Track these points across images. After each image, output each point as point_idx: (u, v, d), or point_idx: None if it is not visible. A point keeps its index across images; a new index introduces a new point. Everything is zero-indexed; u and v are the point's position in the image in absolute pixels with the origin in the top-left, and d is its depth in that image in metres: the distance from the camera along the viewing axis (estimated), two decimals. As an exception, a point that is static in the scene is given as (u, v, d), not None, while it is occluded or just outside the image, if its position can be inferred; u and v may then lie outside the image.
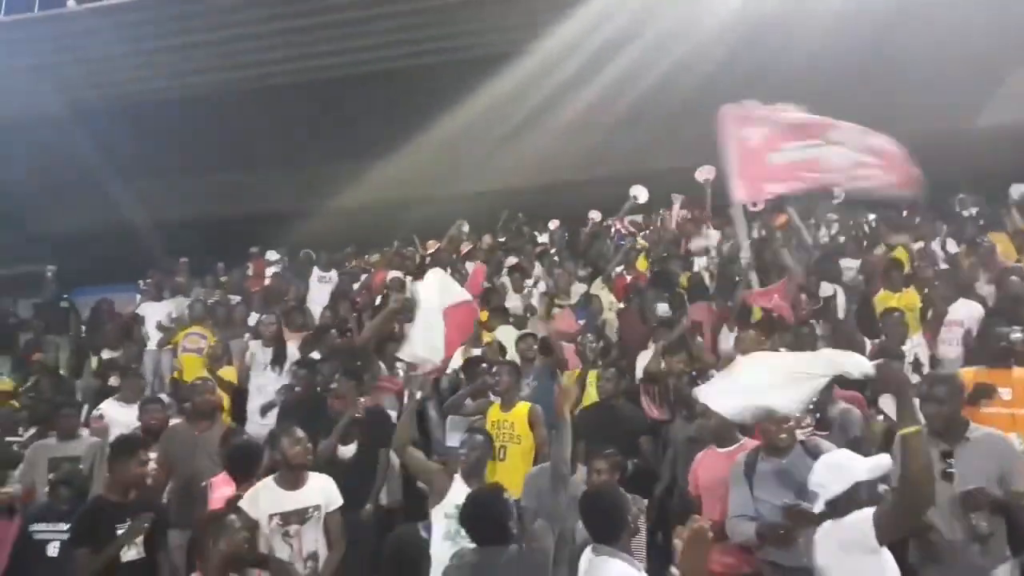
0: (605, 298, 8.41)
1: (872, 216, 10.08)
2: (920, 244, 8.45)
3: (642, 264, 9.91)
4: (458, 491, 4.11)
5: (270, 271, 11.00)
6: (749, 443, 4.34)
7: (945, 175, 11.48)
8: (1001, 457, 3.67)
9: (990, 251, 7.37)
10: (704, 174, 10.15)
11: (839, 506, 3.05)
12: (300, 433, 4.37)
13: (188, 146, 13.71)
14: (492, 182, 12.81)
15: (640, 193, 10.59)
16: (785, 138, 5.49)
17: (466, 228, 10.96)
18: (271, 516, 4.17)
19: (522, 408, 5.45)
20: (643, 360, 6.59)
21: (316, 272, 9.85)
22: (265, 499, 4.20)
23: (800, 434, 4.19)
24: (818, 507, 3.13)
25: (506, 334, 7.30)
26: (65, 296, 10.80)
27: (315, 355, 6.90)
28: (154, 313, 9.10)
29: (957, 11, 10.84)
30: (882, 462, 3.15)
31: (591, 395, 6.16)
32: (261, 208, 14.00)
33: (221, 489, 4.63)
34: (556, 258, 10.15)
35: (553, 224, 12.17)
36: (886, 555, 2.97)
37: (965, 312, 6.23)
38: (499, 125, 12.43)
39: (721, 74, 11.10)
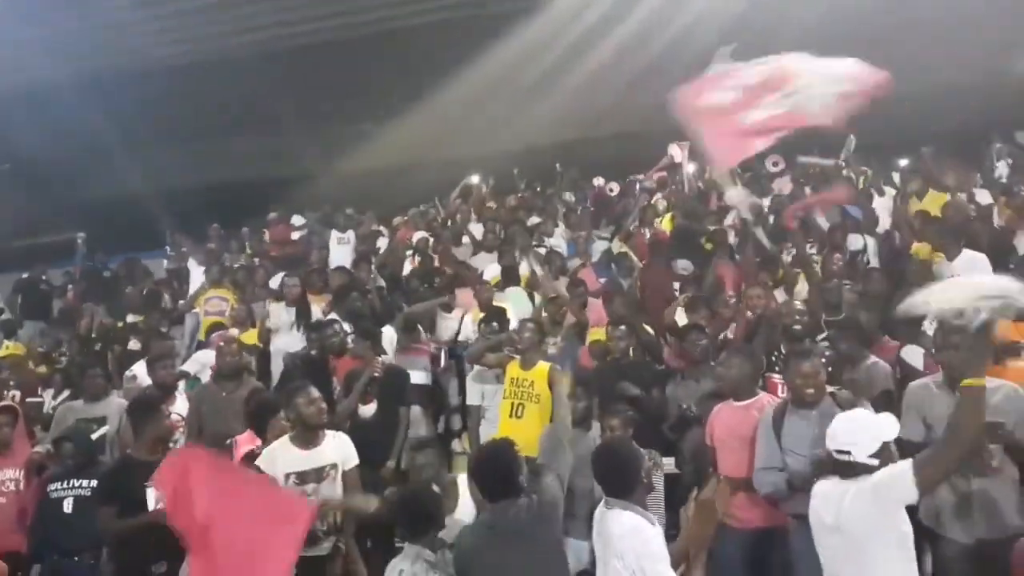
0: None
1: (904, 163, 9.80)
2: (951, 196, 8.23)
3: (667, 224, 9.77)
4: None
5: (295, 235, 11.03)
6: (766, 397, 4.32)
7: (977, 125, 11.23)
8: (1017, 410, 3.69)
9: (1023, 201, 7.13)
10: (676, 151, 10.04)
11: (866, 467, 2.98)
12: (315, 392, 4.34)
13: (207, 111, 13.70)
14: (513, 140, 12.63)
15: (677, 152, 10.41)
16: (754, 96, 5.28)
17: (475, 180, 10.84)
18: (287, 475, 4.18)
19: (543, 367, 5.42)
20: (670, 316, 6.59)
21: (334, 234, 9.86)
22: (282, 458, 4.22)
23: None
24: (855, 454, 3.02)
25: (516, 296, 7.23)
26: (105, 263, 10.93)
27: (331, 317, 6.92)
28: (198, 273, 9.19)
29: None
30: (894, 421, 3.10)
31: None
32: (282, 172, 13.98)
33: (246, 446, 4.69)
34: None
35: (598, 181, 12.02)
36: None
37: (968, 264, 6.10)
38: (518, 82, 12.24)
39: (737, 26, 10.82)
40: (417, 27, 12.89)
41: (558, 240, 9.28)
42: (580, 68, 12.14)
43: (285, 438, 4.35)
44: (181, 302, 8.85)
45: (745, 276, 6.69)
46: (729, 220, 8.90)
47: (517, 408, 5.28)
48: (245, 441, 4.98)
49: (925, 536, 3.61)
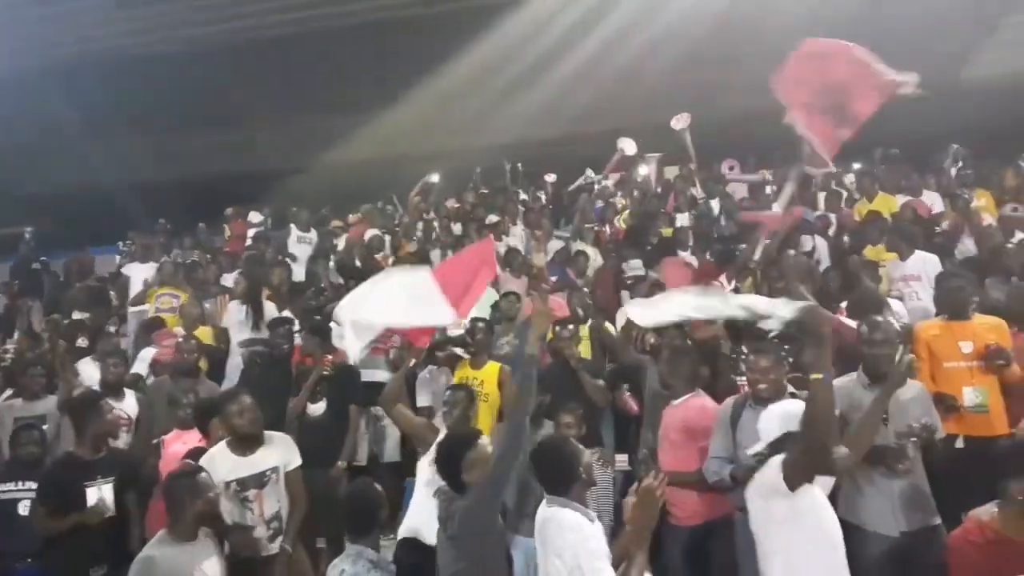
0: (592, 255, 8.33)
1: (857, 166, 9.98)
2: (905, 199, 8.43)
3: (624, 223, 9.83)
4: None
5: (252, 232, 10.87)
6: (694, 400, 4.42)
7: (934, 129, 11.48)
8: (926, 409, 3.88)
9: (967, 206, 7.29)
10: (680, 122, 10.05)
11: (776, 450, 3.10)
12: (247, 401, 4.24)
13: (171, 103, 13.46)
14: (489, 137, 12.49)
15: (628, 145, 10.44)
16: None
17: (435, 179, 10.79)
18: (228, 483, 4.10)
19: (493, 367, 5.43)
20: (621, 317, 6.57)
21: (295, 232, 9.73)
22: (221, 465, 4.13)
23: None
24: (753, 449, 3.18)
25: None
26: (42, 258, 10.68)
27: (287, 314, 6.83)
28: (140, 274, 9.01)
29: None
30: None
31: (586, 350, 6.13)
32: (249, 166, 13.78)
33: (173, 445, 4.68)
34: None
35: (550, 178, 12.01)
36: (804, 501, 2.97)
37: (920, 265, 6.23)
38: (495, 79, 12.19)
39: (720, 27, 10.95)
40: (390, 20, 12.77)
41: (515, 239, 9.27)
42: (561, 65, 12.13)
43: (223, 444, 4.27)
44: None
45: (701, 276, 6.71)
46: (683, 220, 9.00)
47: None
48: (172, 440, 4.98)
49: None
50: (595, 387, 5.31)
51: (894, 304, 5.64)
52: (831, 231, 8.22)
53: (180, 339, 6.25)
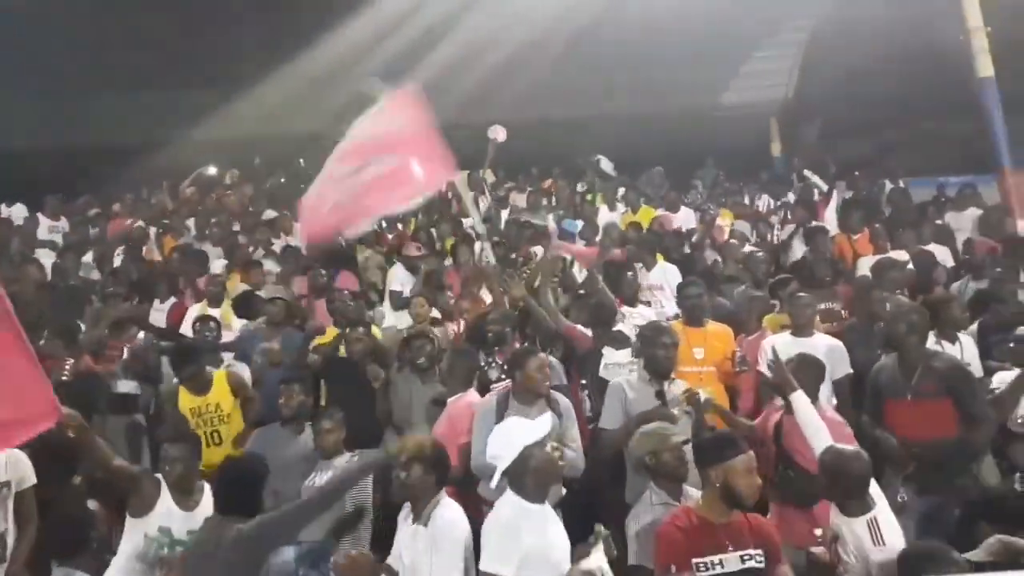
0: (375, 260, 8.24)
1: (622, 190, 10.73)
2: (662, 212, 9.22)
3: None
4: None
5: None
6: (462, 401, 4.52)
7: (690, 151, 12.68)
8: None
9: (712, 221, 8.14)
10: (495, 132, 10.29)
11: (512, 475, 3.16)
12: None
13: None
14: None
15: (499, 134, 10.36)
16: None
17: (213, 171, 10.24)
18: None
19: (220, 381, 5.10)
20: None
21: (44, 222, 8.79)
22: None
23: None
24: (495, 481, 3.18)
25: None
26: None
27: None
28: None
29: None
30: (543, 424, 3.29)
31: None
32: (100, 139, 12.33)
33: None
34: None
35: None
36: None
37: (661, 275, 6.83)
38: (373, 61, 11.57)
39: None
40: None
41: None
42: (436, 54, 11.78)
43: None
44: None
45: (462, 284, 6.88)
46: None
47: (212, 436, 4.98)
48: None
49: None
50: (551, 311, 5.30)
51: (643, 310, 6.10)
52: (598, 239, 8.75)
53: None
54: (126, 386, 5.21)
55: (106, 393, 5.09)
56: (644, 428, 3.81)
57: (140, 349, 5.70)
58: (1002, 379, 4.55)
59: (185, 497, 3.82)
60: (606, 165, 10.53)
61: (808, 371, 4.11)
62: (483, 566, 3.03)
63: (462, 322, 6.05)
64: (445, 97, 11.49)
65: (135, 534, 3.71)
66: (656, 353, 4.37)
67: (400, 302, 6.80)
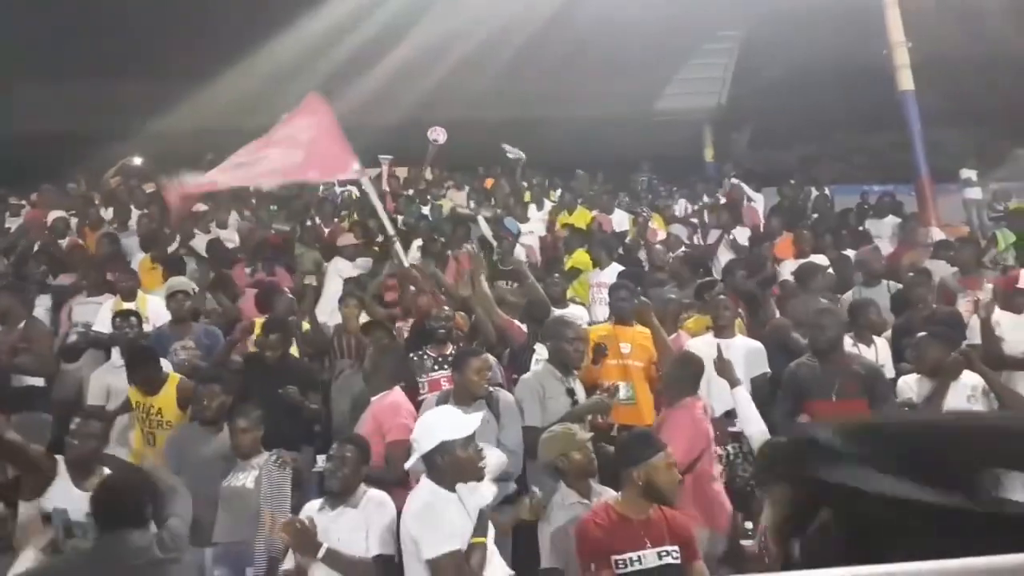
0: (310, 256, 8.07)
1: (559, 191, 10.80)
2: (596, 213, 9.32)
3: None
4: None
5: None
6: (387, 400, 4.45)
7: (630, 153, 12.85)
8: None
9: (644, 224, 8.27)
10: (435, 134, 10.27)
11: (428, 463, 3.15)
12: None
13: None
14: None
15: (439, 135, 10.35)
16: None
17: (137, 161, 9.90)
18: None
19: (170, 387, 4.92)
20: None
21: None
22: None
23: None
24: (409, 463, 3.21)
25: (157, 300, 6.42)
26: None
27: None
28: None
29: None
30: (471, 422, 3.24)
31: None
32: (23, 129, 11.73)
33: None
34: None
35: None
36: None
37: (612, 275, 6.90)
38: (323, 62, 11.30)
39: None
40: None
41: (231, 233, 8.74)
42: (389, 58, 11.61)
43: None
44: None
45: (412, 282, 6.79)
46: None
47: (149, 437, 4.83)
48: None
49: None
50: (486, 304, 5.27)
51: (576, 309, 6.17)
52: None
53: None
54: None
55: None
56: (548, 431, 3.79)
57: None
58: (906, 383, 4.75)
59: (85, 478, 3.66)
60: (511, 152, 10.63)
61: (687, 368, 4.32)
62: (428, 554, 2.98)
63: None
64: (397, 97, 11.60)
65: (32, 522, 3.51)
66: (561, 346, 4.45)
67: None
